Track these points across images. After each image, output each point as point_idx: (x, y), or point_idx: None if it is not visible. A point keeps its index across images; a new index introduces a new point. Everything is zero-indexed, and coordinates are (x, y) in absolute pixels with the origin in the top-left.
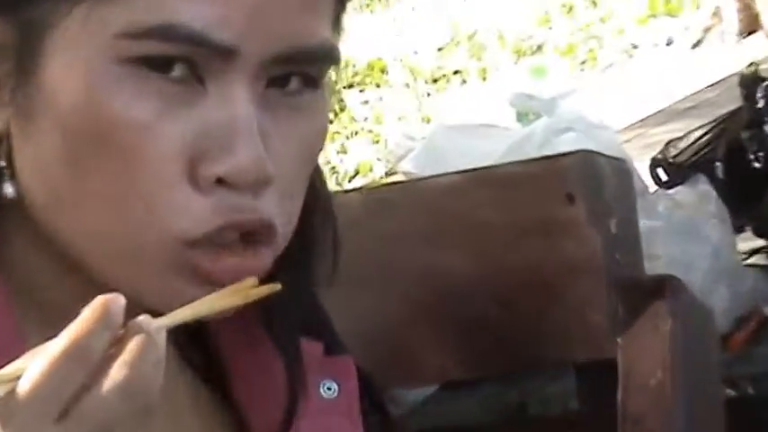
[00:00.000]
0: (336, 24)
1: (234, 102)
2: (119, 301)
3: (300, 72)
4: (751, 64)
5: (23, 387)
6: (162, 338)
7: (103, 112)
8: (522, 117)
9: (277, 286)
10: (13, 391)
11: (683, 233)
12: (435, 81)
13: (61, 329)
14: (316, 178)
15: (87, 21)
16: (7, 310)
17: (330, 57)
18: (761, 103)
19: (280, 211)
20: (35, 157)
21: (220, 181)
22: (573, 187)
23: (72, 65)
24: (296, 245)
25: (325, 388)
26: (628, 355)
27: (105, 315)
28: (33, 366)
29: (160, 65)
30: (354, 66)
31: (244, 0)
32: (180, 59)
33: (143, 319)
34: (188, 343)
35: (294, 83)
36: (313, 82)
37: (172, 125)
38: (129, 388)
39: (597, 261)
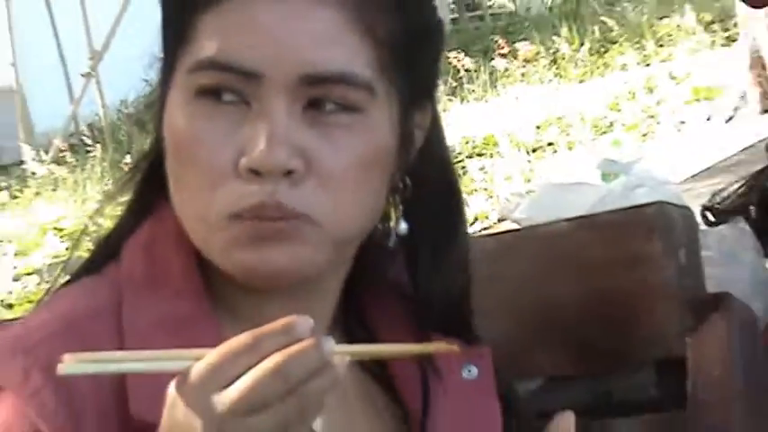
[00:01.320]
0: (382, 64)
1: (268, 113)
2: (306, 322)
3: (331, 96)
4: None
5: (201, 363)
6: (330, 348)
7: (180, 132)
8: (605, 177)
9: (455, 348)
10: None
11: (727, 260)
12: (534, 151)
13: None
14: (459, 222)
15: (179, 67)
16: (212, 324)
17: (352, 82)
18: None
19: (319, 202)
20: (168, 171)
21: (254, 171)
22: (652, 229)
23: (172, 102)
24: (446, 267)
25: (467, 370)
26: (695, 353)
27: (288, 327)
28: (214, 350)
29: (214, 92)
30: (474, 141)
31: (267, 34)
32: (226, 87)
33: (323, 336)
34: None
35: (329, 106)
36: (349, 106)
37: (224, 137)
38: (282, 369)
39: (671, 284)
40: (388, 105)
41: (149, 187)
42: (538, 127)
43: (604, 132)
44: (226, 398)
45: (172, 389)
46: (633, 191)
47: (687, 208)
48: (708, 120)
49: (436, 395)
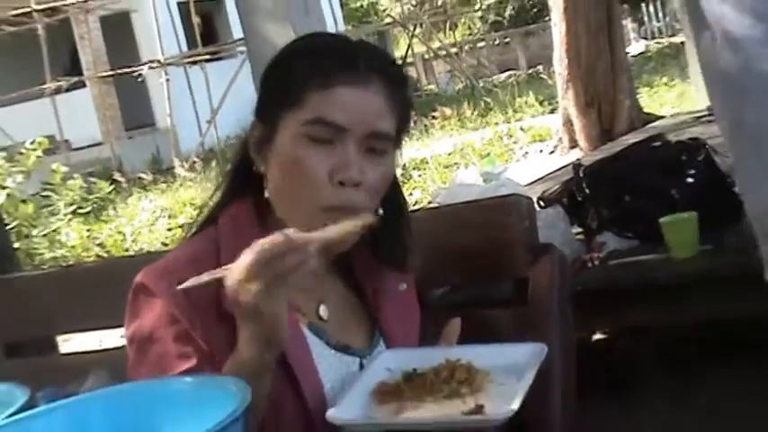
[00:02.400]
0: (399, 132)
1: (348, 152)
2: (290, 231)
3: (378, 146)
4: (577, 159)
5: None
6: (294, 235)
7: (295, 157)
8: (485, 180)
9: (371, 218)
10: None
11: (550, 227)
12: (447, 167)
13: None
14: (402, 203)
15: (292, 119)
16: None
17: (388, 139)
18: (580, 175)
19: (366, 201)
20: (271, 178)
21: (341, 183)
22: (511, 209)
23: (285, 139)
24: (392, 224)
25: (401, 285)
26: (533, 275)
27: (279, 233)
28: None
29: (317, 138)
30: (416, 161)
31: (352, 107)
32: (323, 137)
33: (293, 232)
34: (338, 266)
35: (375, 151)
36: (382, 151)
37: (321, 161)
38: (262, 251)
39: (520, 238)
40: (393, 152)
41: (233, 184)
42: (449, 154)
43: (484, 157)
44: (233, 271)
45: None
46: (500, 188)
47: (529, 198)
48: (540, 152)
49: (384, 298)
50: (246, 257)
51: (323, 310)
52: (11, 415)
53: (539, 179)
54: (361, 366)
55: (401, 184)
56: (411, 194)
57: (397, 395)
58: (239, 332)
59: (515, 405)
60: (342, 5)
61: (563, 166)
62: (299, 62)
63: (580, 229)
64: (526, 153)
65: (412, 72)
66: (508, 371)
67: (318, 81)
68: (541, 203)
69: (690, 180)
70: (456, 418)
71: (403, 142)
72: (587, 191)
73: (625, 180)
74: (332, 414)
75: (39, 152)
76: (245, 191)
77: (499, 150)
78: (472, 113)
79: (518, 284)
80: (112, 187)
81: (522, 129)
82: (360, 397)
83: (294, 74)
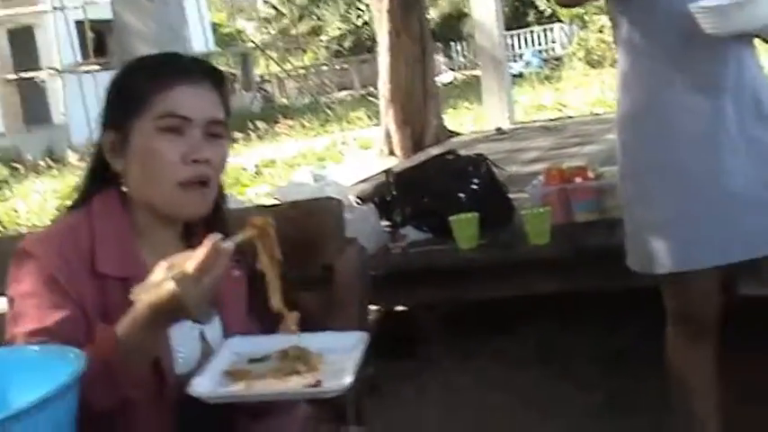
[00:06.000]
0: (226, 120)
1: (195, 137)
2: (216, 237)
3: (215, 130)
4: (389, 167)
5: (186, 265)
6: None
7: (151, 148)
8: (316, 180)
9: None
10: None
11: (362, 220)
12: (291, 167)
13: (151, 244)
14: (220, 198)
15: (142, 120)
16: (133, 238)
17: (223, 124)
18: (390, 179)
19: (213, 175)
20: (130, 171)
21: (195, 161)
22: (323, 209)
23: (139, 138)
24: (220, 219)
25: (234, 272)
26: (338, 263)
27: (214, 245)
28: (190, 260)
29: (170, 129)
30: (266, 160)
31: (192, 101)
32: (174, 127)
33: (222, 241)
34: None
35: (213, 135)
36: (219, 135)
37: (174, 147)
38: (213, 253)
39: (333, 231)
40: (227, 139)
41: (93, 181)
42: (294, 156)
43: (320, 160)
44: (190, 265)
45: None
46: (325, 187)
47: (339, 200)
48: (366, 158)
49: (221, 281)
50: (192, 261)
51: None
52: None
53: (360, 181)
54: (201, 334)
55: (254, 179)
56: (262, 187)
57: (244, 375)
58: (149, 302)
59: (348, 379)
60: (214, 30)
61: (380, 172)
62: (141, 75)
63: (388, 223)
64: (355, 158)
65: (268, 88)
66: (337, 353)
67: (159, 86)
68: (359, 201)
69: (474, 187)
70: (298, 390)
71: (231, 134)
72: (394, 192)
73: (424, 185)
74: (193, 389)
75: None
76: (105, 184)
77: (334, 154)
78: (312, 124)
79: (328, 269)
80: (9, 171)
81: (354, 138)
82: (214, 375)
83: (137, 85)
